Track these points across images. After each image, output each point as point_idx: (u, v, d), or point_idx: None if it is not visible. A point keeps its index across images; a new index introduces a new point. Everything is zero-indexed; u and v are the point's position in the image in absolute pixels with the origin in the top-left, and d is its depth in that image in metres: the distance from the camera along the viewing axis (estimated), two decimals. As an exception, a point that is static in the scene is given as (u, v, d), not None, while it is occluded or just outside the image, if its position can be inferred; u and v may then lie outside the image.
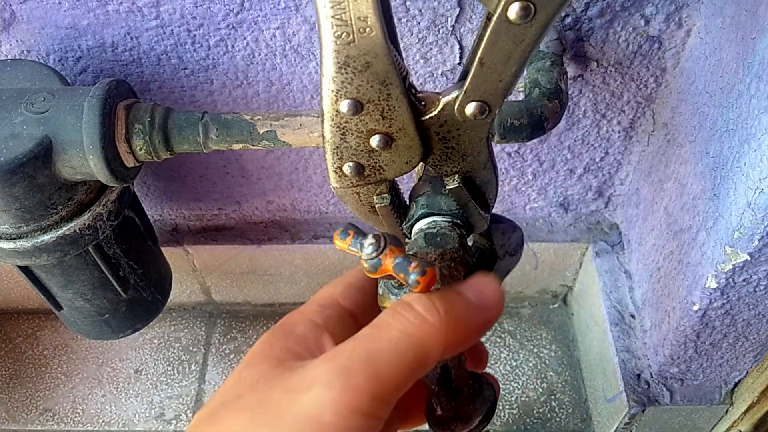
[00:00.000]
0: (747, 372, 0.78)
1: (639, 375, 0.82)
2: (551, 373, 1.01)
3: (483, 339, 1.14)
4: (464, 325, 0.29)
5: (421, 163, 0.36)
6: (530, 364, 1.02)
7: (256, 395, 0.28)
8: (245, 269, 0.99)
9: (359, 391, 0.26)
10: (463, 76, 0.32)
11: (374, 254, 0.30)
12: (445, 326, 0.28)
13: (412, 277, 0.29)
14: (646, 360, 0.82)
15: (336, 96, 0.32)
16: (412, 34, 0.65)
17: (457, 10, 0.63)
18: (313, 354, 0.30)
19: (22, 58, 0.68)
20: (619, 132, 0.78)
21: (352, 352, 0.27)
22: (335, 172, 0.36)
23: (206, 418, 0.29)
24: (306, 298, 0.34)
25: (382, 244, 0.30)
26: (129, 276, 0.73)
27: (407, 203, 0.40)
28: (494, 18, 0.29)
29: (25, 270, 0.68)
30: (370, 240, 0.30)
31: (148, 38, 0.66)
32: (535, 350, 1.03)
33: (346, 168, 0.35)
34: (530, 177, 0.84)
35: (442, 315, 0.28)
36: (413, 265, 0.29)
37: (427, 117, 0.33)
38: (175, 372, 1.03)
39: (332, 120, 0.33)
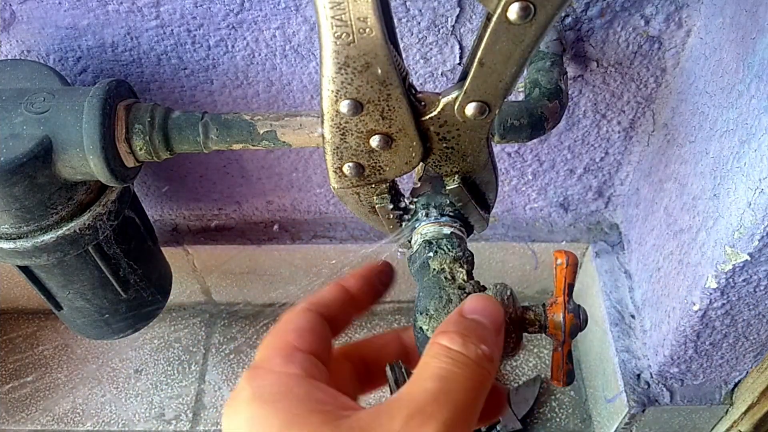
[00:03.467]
0: (747, 372, 0.78)
1: (639, 375, 0.82)
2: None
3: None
4: (495, 349, 0.31)
5: (421, 163, 0.36)
6: (530, 364, 1.02)
7: None
8: (245, 269, 0.99)
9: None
10: (463, 77, 0.32)
11: None
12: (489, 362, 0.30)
13: None
14: (646, 360, 0.82)
15: (336, 96, 0.32)
16: (412, 34, 0.65)
17: (457, 10, 0.63)
18: (338, 405, 0.28)
19: (22, 58, 0.68)
20: (619, 132, 0.78)
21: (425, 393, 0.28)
22: (335, 172, 0.35)
23: None
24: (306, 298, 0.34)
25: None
26: (129, 276, 0.73)
27: (407, 203, 0.40)
28: (494, 18, 0.29)
29: (25, 270, 0.68)
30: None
31: (148, 38, 0.66)
32: (535, 350, 1.03)
33: (346, 168, 0.35)
34: (530, 177, 0.84)
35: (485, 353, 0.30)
36: None
37: (427, 117, 0.33)
38: (175, 372, 1.03)
39: (332, 120, 0.33)
